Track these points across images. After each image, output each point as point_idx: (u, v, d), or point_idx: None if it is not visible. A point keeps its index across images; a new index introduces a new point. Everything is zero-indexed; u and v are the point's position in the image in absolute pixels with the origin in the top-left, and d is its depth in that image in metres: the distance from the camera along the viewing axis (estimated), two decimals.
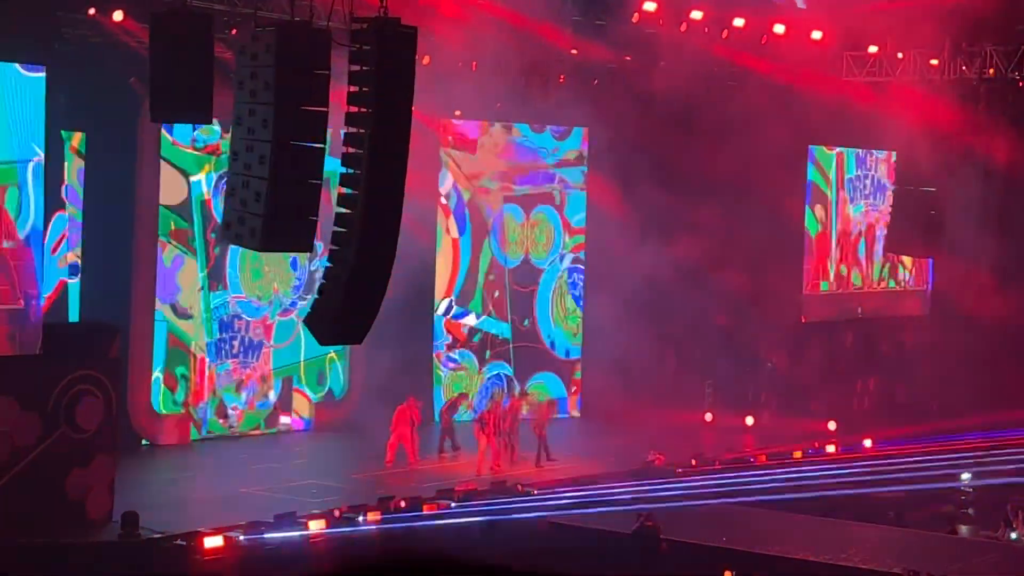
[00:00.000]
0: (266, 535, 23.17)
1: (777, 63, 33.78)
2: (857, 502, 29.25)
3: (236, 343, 31.24)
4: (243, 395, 31.39)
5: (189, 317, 30.59)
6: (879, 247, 40.80)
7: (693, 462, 30.38)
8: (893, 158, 40.81)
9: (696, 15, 32.50)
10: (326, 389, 33.03)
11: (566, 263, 36.41)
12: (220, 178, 30.36)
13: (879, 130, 35.40)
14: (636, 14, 31.77)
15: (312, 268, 31.94)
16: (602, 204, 35.69)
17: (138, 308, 29.98)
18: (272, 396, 31.99)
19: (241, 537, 22.89)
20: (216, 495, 25.88)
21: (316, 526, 23.67)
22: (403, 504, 25.19)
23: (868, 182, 40.88)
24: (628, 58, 34.17)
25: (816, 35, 34.08)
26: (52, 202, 26.26)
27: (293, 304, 32.05)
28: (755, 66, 34.25)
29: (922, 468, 32.29)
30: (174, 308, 30.46)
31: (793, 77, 34.30)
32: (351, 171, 19.32)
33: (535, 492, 27.32)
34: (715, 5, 32.68)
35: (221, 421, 31.09)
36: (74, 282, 28.71)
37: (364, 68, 19.13)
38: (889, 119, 34.02)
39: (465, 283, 34.97)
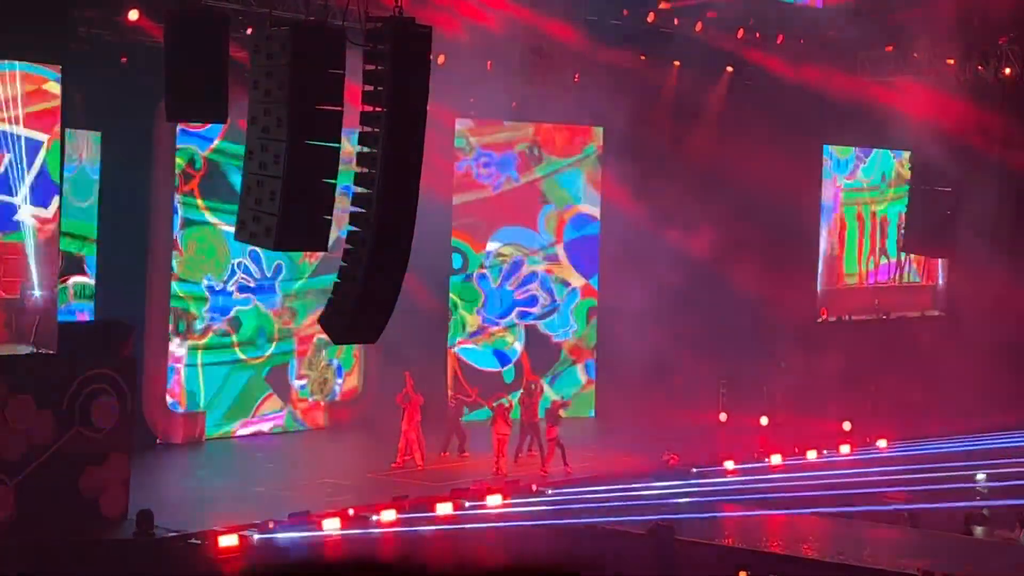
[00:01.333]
0: (280, 534, 23.17)
1: (792, 62, 33.75)
2: (872, 503, 29.17)
3: None
4: None
5: None
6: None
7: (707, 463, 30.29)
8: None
9: (711, 14, 32.48)
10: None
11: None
12: None
13: (894, 129, 35.34)
14: (651, 13, 31.77)
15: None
16: (616, 203, 35.63)
17: (152, 306, 30.01)
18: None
19: (255, 536, 22.90)
20: (230, 494, 25.89)
21: (330, 525, 23.67)
22: (417, 504, 25.18)
23: None
24: (643, 57, 34.17)
25: (832, 34, 34.05)
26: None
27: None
28: (770, 65, 34.22)
29: (937, 469, 32.19)
30: None
31: (808, 76, 34.28)
32: (366, 170, 19.33)
33: (549, 492, 27.29)
34: (731, 4, 32.66)
35: None
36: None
37: (379, 67, 19.14)
38: (904, 119, 33.97)
39: None
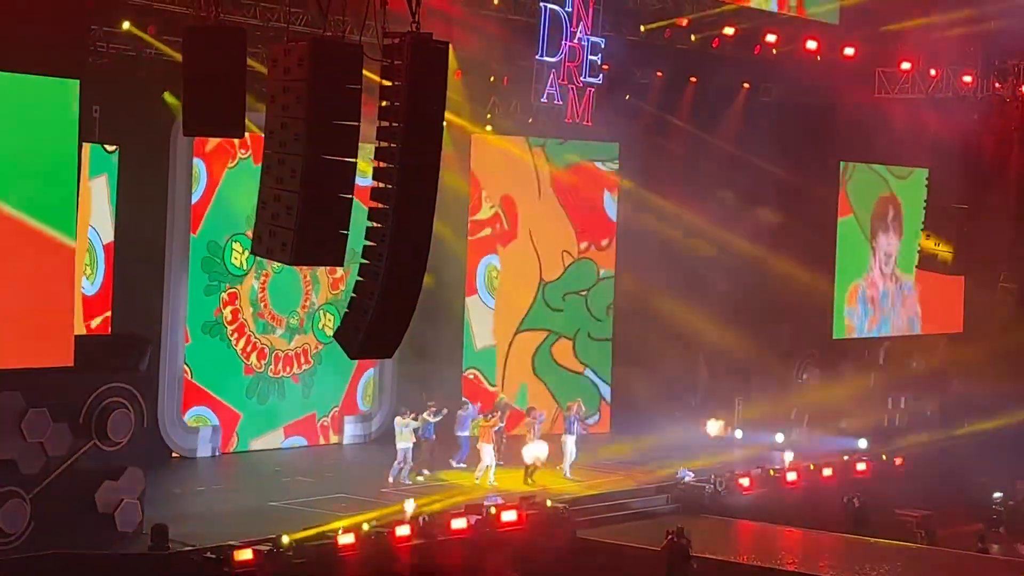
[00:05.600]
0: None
1: (809, 79, 33.74)
2: (888, 520, 29.10)
3: None
4: None
5: None
6: None
7: (714, 476, 30.18)
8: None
9: (728, 31, 32.50)
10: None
11: None
12: None
13: (911, 147, 35.33)
14: (668, 29, 31.78)
15: None
16: (633, 219, 35.59)
17: (169, 321, 30.03)
18: None
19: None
20: (246, 508, 25.89)
21: (345, 540, 23.65)
22: (431, 518, 25.16)
23: None
24: (660, 74, 34.18)
25: (848, 51, 34.06)
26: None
27: None
28: (787, 81, 34.22)
29: (953, 486, 32.09)
30: None
31: (825, 93, 34.27)
32: (383, 185, 19.34)
33: (564, 507, 27.23)
34: (747, 20, 32.69)
35: None
36: None
37: (396, 83, 19.16)
38: (921, 136, 33.95)
39: None
